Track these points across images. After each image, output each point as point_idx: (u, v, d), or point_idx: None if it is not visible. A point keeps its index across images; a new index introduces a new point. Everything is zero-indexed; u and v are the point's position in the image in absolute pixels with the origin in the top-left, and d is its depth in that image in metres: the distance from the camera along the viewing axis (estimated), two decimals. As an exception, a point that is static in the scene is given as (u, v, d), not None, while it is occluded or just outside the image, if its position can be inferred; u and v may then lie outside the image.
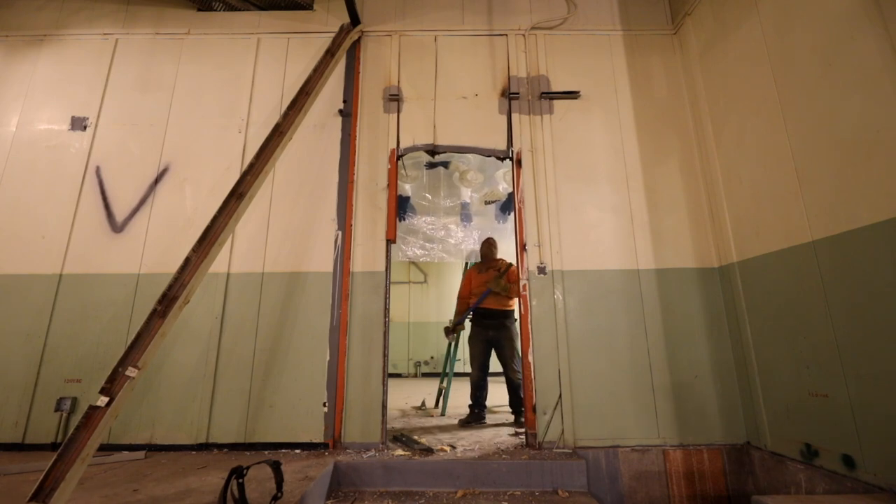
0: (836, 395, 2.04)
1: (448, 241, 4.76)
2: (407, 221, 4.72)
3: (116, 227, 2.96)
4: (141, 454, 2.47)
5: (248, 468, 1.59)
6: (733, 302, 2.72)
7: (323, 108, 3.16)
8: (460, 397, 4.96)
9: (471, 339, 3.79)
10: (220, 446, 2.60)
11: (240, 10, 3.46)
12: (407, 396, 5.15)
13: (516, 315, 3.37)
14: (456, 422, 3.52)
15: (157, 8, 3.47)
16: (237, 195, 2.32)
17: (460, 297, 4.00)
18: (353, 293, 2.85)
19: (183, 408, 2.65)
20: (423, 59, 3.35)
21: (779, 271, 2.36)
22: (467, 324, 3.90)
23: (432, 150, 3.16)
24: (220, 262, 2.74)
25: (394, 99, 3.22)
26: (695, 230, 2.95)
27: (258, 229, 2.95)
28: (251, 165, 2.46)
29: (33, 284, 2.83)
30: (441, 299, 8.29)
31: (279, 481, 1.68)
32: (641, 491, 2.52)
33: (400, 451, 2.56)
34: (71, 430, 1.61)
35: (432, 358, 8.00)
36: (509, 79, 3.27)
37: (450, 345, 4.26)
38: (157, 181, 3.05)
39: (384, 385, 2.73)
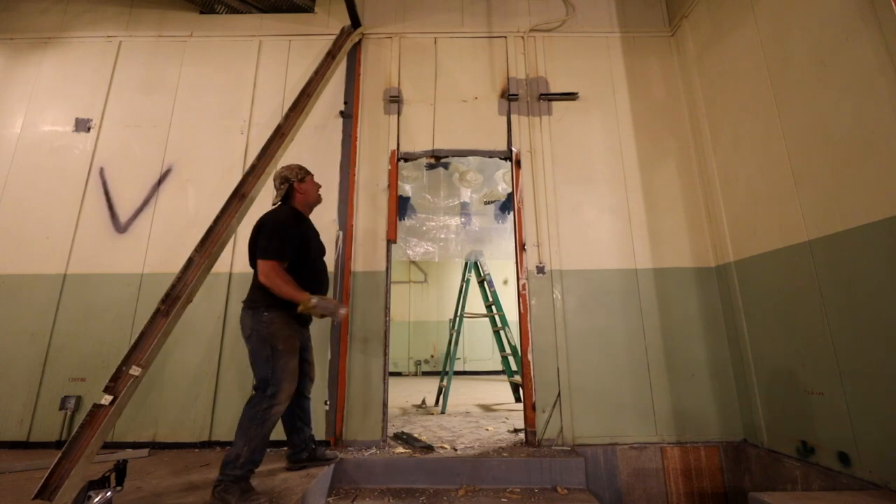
0: (831, 393, 2.06)
1: (448, 241, 4.78)
2: (407, 221, 4.75)
3: (120, 228, 2.99)
4: (144, 452, 2.50)
5: (98, 479, 1.56)
6: (730, 301, 2.74)
7: (324, 109, 3.19)
8: (460, 396, 5.01)
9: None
10: (222, 444, 2.62)
11: (242, 12, 3.49)
12: (407, 395, 5.17)
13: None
14: (457, 419, 3.54)
15: (160, 11, 3.51)
16: (239, 196, 2.36)
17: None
18: (354, 293, 2.87)
19: (186, 406, 2.68)
20: (424, 61, 3.38)
21: (775, 271, 2.39)
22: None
23: (433, 154, 3.18)
24: (222, 262, 2.76)
25: (394, 101, 3.24)
26: (692, 230, 2.98)
27: (260, 230, 2.97)
28: (253, 166, 2.50)
29: (38, 284, 2.86)
30: (441, 298, 8.31)
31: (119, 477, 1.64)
32: (639, 488, 2.55)
33: (401, 449, 2.58)
34: (75, 429, 1.64)
35: (432, 357, 8.02)
36: (508, 80, 3.29)
37: (450, 343, 4.28)
38: (160, 182, 3.08)
39: (385, 383, 2.75)
